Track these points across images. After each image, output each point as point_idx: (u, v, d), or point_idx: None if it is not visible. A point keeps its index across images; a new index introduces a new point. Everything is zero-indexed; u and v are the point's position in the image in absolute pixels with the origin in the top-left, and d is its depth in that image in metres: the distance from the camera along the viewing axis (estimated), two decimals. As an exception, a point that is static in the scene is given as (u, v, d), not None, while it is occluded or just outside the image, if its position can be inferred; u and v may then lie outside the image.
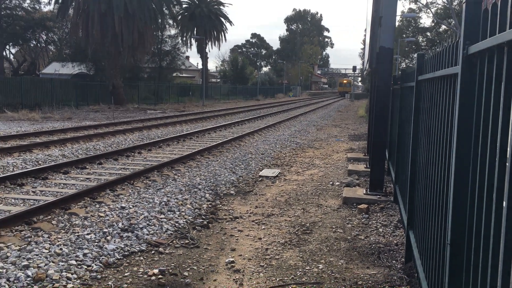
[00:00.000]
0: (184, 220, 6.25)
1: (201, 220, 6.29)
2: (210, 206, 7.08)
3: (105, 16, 30.74)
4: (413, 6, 43.17)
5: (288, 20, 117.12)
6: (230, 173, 9.59)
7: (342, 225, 6.18)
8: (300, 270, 4.63)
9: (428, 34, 47.09)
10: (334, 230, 5.95)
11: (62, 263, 4.58)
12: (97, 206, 6.74)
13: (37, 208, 6.13)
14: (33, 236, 5.33)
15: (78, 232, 5.50)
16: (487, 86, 2.03)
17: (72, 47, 39.15)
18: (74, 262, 4.63)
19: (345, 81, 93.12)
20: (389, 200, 7.19)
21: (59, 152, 11.40)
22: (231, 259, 4.87)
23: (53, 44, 47.16)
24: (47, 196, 7.34)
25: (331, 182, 8.91)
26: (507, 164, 1.73)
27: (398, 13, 42.02)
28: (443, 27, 43.19)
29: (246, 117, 25.36)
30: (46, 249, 4.92)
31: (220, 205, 7.16)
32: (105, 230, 5.59)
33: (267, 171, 9.95)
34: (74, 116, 23.93)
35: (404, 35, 44.60)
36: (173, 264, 4.75)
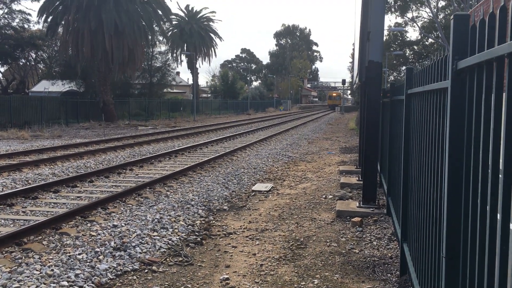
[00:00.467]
0: (178, 237, 6.20)
1: (194, 236, 6.24)
2: (203, 222, 7.04)
3: (95, 34, 30.80)
4: (399, 20, 43.82)
5: (277, 35, 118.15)
6: (223, 188, 9.56)
7: (336, 238, 6.16)
8: (296, 285, 4.60)
9: (415, 47, 47.71)
10: (328, 244, 5.94)
11: (54, 285, 4.51)
12: (89, 225, 6.67)
13: (28, 229, 6.05)
14: (23, 257, 5.25)
15: (69, 252, 5.42)
16: (477, 100, 2.05)
17: (61, 65, 39.07)
18: (65, 283, 4.56)
19: (334, 94, 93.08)
20: (382, 212, 7.21)
21: (49, 171, 11.30)
22: (226, 276, 4.83)
23: (42, 62, 47.03)
24: (37, 216, 7.26)
25: (324, 196, 8.91)
26: (499, 176, 1.74)
27: (386, 27, 42.66)
28: (430, 40, 43.82)
29: (237, 131, 25.39)
30: (37, 270, 4.85)
31: (214, 221, 7.12)
32: (97, 249, 5.52)
33: (260, 186, 9.93)
34: (64, 134, 23.79)
35: (392, 49, 45.14)
36: (167, 283, 4.70)
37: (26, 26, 40.25)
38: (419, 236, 3.59)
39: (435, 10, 39.89)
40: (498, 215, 1.69)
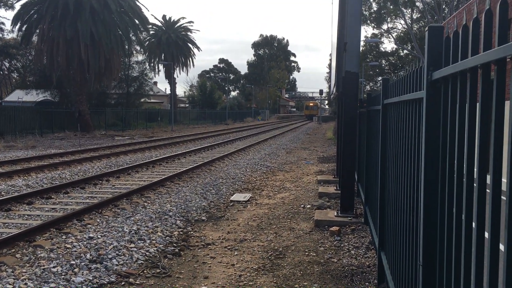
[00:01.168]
0: (155, 248, 6.12)
1: (172, 248, 6.17)
2: (181, 233, 6.96)
3: (71, 43, 30.43)
4: (376, 31, 44.61)
5: (256, 46, 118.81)
6: (201, 198, 9.50)
7: (314, 248, 6.18)
8: (275, 296, 4.58)
9: (391, 58, 48.62)
10: (307, 253, 5.94)
11: (27, 299, 4.39)
12: (64, 237, 6.52)
13: (0, 242, 5.88)
14: (-5, 271, 5.09)
15: (43, 265, 5.29)
16: (451, 109, 2.10)
17: (36, 74, 38.42)
18: (39, 297, 4.44)
19: (311, 104, 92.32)
20: (359, 221, 7.26)
21: (23, 182, 11.04)
22: (204, 287, 4.78)
23: (16, 72, 46.18)
24: (10, 228, 7.07)
25: (302, 205, 8.94)
26: (474, 184, 1.78)
27: (362, 38, 43.37)
28: (405, 51, 44.71)
29: (215, 141, 25.32)
30: (10, 284, 4.72)
31: (192, 232, 7.05)
32: (72, 262, 5.40)
33: (238, 196, 9.90)
34: (39, 144, 23.31)
35: (368, 59, 45.89)
36: (144, 295, 4.62)
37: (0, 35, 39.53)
38: (396, 244, 3.63)
39: (409, 22, 40.79)
40: (474, 223, 1.72)
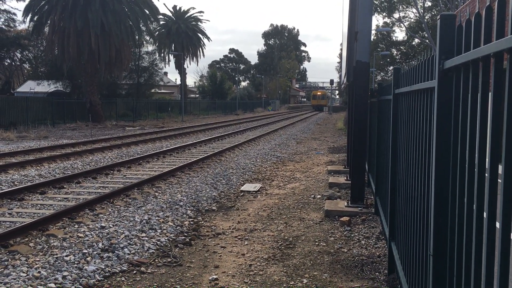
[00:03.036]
0: (166, 238, 6.17)
1: (183, 237, 6.22)
2: (192, 223, 7.01)
3: (81, 33, 30.54)
4: (387, 20, 44.13)
5: (266, 35, 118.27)
6: (211, 188, 9.54)
7: (325, 238, 6.19)
8: (285, 285, 4.61)
9: (402, 47, 48.10)
10: (317, 243, 5.96)
11: (41, 287, 4.47)
12: (76, 226, 6.61)
13: (14, 231, 5.98)
14: (10, 260, 5.18)
15: (56, 254, 5.37)
16: (463, 99, 2.08)
17: (47, 65, 38.67)
18: (53, 285, 4.52)
19: (319, 93, 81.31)
20: (370, 212, 7.25)
21: (35, 172, 11.18)
22: (215, 276, 4.82)
23: (28, 63, 46.52)
24: (23, 217, 7.17)
25: (312, 195, 8.94)
26: (486, 174, 1.76)
27: (373, 27, 42.89)
28: (416, 40, 44.21)
29: (226, 132, 25.35)
30: (24, 272, 4.79)
31: (202, 222, 7.10)
32: (84, 251, 5.47)
33: (248, 186, 9.93)
34: (51, 134, 23.54)
35: (379, 49, 45.46)
36: (155, 284, 4.68)
37: (11, 25, 39.78)
38: (407, 234, 3.62)
39: (421, 10, 40.25)
40: (485, 213, 1.71)
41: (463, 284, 2.01)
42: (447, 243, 2.33)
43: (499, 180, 1.60)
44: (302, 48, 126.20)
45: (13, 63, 46.17)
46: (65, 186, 9.53)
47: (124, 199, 8.38)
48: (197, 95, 73.55)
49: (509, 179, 1.50)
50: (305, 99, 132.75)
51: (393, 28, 44.36)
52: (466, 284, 1.97)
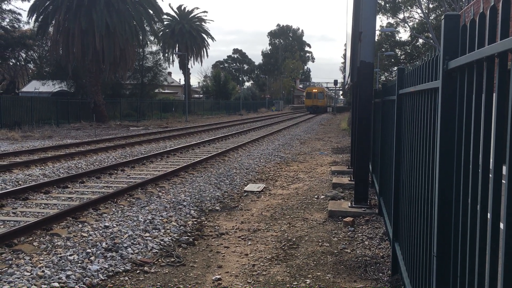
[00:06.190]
0: (170, 237, 6.18)
1: (186, 237, 6.22)
2: (195, 222, 7.02)
3: (86, 33, 30.63)
4: (391, 20, 44.02)
5: (272, 35, 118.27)
6: (215, 188, 9.55)
7: (328, 238, 6.18)
8: (288, 285, 4.60)
9: (406, 48, 47.96)
10: (320, 244, 5.95)
11: (45, 286, 4.48)
12: (80, 226, 6.63)
13: (18, 230, 6.00)
14: (14, 259, 5.20)
15: (60, 253, 5.39)
16: (468, 99, 2.07)
17: (52, 65, 38.80)
18: (57, 284, 4.53)
19: (315, 90, 65.02)
20: (373, 212, 7.23)
21: (39, 172, 11.22)
22: (218, 276, 4.82)
23: (32, 63, 46.65)
24: (28, 217, 7.20)
25: (316, 196, 8.93)
26: (490, 175, 1.75)
27: (377, 27, 42.82)
28: (421, 41, 44.08)
29: (229, 132, 25.36)
30: (28, 271, 4.81)
31: (206, 222, 7.10)
32: (88, 250, 5.49)
33: (252, 186, 9.93)
34: (55, 134, 23.62)
35: (383, 49, 45.33)
36: (159, 284, 4.68)
37: (16, 25, 39.92)
38: (410, 235, 3.61)
39: (426, 11, 40.12)
40: (489, 214, 1.71)
41: (467, 285, 2.00)
42: (451, 244, 2.32)
43: (503, 181, 1.59)
44: (307, 48, 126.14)
45: (18, 63, 46.34)
46: (69, 186, 9.56)
47: (128, 199, 8.40)
48: (201, 95, 73.63)
49: (513, 180, 1.50)
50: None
51: (397, 29, 44.24)
52: (470, 285, 1.96)
